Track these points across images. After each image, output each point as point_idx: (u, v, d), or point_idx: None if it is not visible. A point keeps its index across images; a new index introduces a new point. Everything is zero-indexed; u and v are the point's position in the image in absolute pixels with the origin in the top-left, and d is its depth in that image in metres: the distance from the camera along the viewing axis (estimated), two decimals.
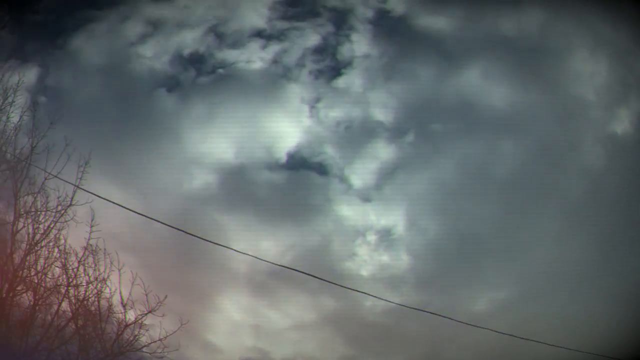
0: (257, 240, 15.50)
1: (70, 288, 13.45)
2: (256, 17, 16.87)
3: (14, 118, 14.42)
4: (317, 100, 16.13)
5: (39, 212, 13.62)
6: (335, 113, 16.16)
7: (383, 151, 15.94)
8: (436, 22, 16.53)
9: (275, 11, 16.80)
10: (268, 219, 15.80)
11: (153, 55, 16.75)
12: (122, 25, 16.88)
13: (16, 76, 14.77)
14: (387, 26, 16.63)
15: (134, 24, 16.82)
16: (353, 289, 14.83)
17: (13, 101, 14.45)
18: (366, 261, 15.75)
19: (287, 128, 16.09)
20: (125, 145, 15.96)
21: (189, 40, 16.88)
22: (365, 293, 15.02)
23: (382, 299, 15.09)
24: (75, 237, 13.68)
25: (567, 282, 15.27)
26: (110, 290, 13.55)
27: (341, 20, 16.67)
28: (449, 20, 16.49)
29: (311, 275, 14.49)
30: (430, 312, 14.71)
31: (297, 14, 16.79)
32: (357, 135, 16.00)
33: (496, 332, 14.56)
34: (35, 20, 16.72)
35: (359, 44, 16.54)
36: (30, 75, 15.97)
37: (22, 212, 13.58)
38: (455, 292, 15.57)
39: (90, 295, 13.52)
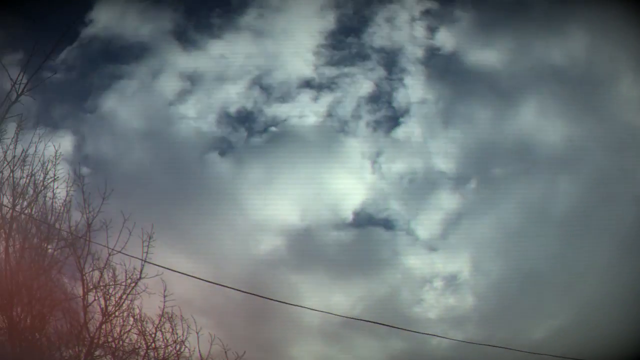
0: (328, 295, 15.61)
1: (149, 351, 13.53)
2: (302, 64, 16.24)
3: (61, 193, 13.98)
4: (378, 154, 15.98)
5: (108, 286, 13.51)
6: (397, 166, 16.08)
7: (447, 201, 16.05)
8: (485, 57, 16.38)
9: (321, 56, 16.18)
10: (338, 275, 16.01)
11: (197, 115, 16.02)
12: (155, 82, 15.92)
13: (51, 147, 14.13)
14: (439, 66, 16.41)
15: (169, 79, 15.89)
16: (419, 332, 15.30)
17: (56, 176, 13.85)
18: (433, 305, 16.00)
19: (350, 186, 15.92)
20: (185, 213, 15.59)
21: (233, 95, 16.33)
22: (431, 334, 15.57)
23: (447, 338, 15.48)
24: (149, 304, 13.71)
25: (620, 307, 15.85)
26: (189, 350, 13.59)
27: (391, 62, 16.29)
28: (498, 53, 16.24)
29: (380, 324, 14.77)
30: (492, 345, 15.14)
31: (345, 58, 16.25)
32: (420, 187, 16.05)
33: (553, 356, 15.03)
34: (58, 81, 15.44)
35: (413, 89, 16.27)
36: (65, 144, 15.24)
37: (91, 287, 13.46)
38: (515, 324, 16.09)
39: (169, 356, 13.62)
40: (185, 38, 16.30)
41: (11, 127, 14.23)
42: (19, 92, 13.77)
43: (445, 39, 16.20)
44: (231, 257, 15.53)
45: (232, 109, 16.17)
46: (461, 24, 16.24)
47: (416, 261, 16.30)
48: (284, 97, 15.88)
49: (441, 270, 16.31)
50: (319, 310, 14.87)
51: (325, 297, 15.62)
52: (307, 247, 16.01)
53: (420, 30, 16.12)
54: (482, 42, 16.19)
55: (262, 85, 15.93)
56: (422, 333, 15.29)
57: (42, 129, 14.36)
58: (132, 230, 13.37)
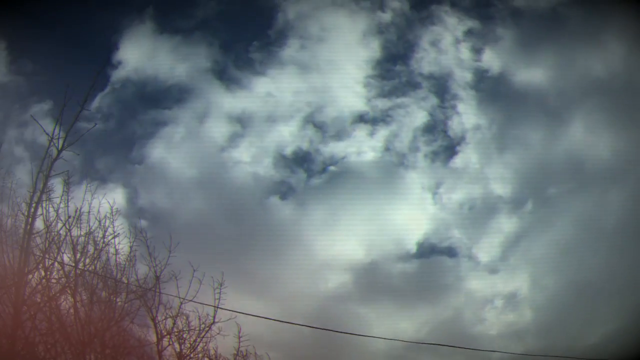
0: (393, 322, 15.83)
1: None
2: (353, 97, 16.07)
3: (123, 247, 13.68)
4: (438, 185, 16.06)
5: (181, 332, 13.54)
6: (456, 195, 16.22)
7: (505, 224, 16.23)
8: (530, 75, 16.54)
9: (372, 88, 16.03)
10: (403, 303, 16.21)
11: (252, 160, 15.73)
12: (202, 126, 15.62)
13: (106, 202, 13.72)
14: (488, 88, 16.48)
15: (217, 123, 15.59)
16: (480, 349, 15.73)
17: (116, 233, 13.55)
18: (494, 322, 16.42)
19: (413, 218, 15.95)
20: (251, 257, 15.54)
21: (287, 136, 15.93)
22: (492, 350, 15.87)
23: (507, 352, 15.97)
24: (223, 343, 13.75)
25: None
26: None
27: (442, 89, 16.30)
28: (541, 70, 16.42)
29: (443, 345, 15.16)
30: (549, 355, 15.61)
31: (396, 88, 16.18)
32: (479, 213, 16.25)
33: None
34: (97, 131, 14.99)
35: (466, 115, 16.29)
36: (117, 197, 14.89)
37: (165, 333, 13.47)
38: (571, 332, 16.63)
39: None
40: (226, 76, 15.80)
41: (55, 182, 13.50)
42: (60, 148, 12.98)
43: (490, 59, 16.16)
44: (299, 294, 15.53)
45: (288, 151, 15.89)
46: (504, 42, 16.19)
47: (478, 284, 16.55)
48: (339, 134, 15.62)
49: (501, 290, 16.54)
50: (385, 338, 15.08)
51: (391, 324, 15.75)
52: (372, 280, 16.11)
53: (465, 52, 16.04)
54: (526, 59, 16.32)
55: (316, 123, 15.64)
56: (483, 350, 15.44)
57: (91, 184, 13.87)
58: (202, 279, 13.28)
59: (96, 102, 15.42)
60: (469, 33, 16.10)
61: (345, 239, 15.87)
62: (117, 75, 15.95)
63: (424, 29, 16.14)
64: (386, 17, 16.22)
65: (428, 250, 16.29)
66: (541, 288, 16.50)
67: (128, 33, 16.26)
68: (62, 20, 15.90)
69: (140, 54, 16.15)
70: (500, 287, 16.61)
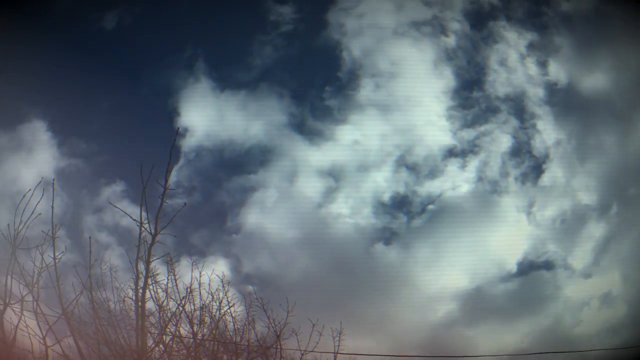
0: (498, 337, 16.29)
1: None
2: (439, 132, 16.12)
3: (240, 312, 13.80)
4: (530, 205, 16.32)
5: None
6: (548, 211, 16.45)
7: (594, 230, 16.69)
8: (595, 80, 16.80)
9: (454, 120, 16.15)
10: (506, 319, 16.62)
11: (351, 211, 15.67)
12: (294, 185, 15.61)
13: (214, 275, 13.72)
14: (560, 102, 16.74)
15: (308, 180, 15.48)
16: (578, 351, 16.36)
17: (232, 303, 13.66)
18: (591, 322, 17.03)
19: (510, 240, 16.19)
20: (363, 300, 15.69)
21: (381, 182, 16.03)
22: (590, 350, 16.48)
23: (604, 349, 16.60)
24: None
25: None
26: None
27: (520, 110, 16.55)
28: (604, 74, 16.77)
29: (543, 353, 15.77)
30: None
31: (477, 117, 16.33)
32: (570, 225, 16.58)
33: None
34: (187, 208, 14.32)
35: (546, 132, 16.50)
36: (221, 268, 14.71)
37: None
38: None
39: None
40: (307, 129, 15.55)
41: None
42: (153, 233, 12.69)
43: (555, 71, 16.36)
44: (410, 328, 15.65)
45: (385, 197, 15.76)
46: (564, 51, 16.35)
47: (574, 289, 17.03)
48: (433, 172, 15.65)
49: (596, 291, 16.95)
50: (492, 355, 15.39)
51: (496, 339, 16.11)
52: (477, 304, 16.35)
53: (532, 67, 16.15)
54: (587, 65, 16.42)
55: (408, 165, 15.59)
56: (581, 351, 15.92)
57: (192, 258, 13.72)
58: (321, 331, 13.27)
59: (174, 177, 14.43)
60: (530, 47, 16.17)
61: (449, 270, 16.05)
62: (188, 144, 15.25)
63: (488, 49, 16.15)
64: (450, 41, 16.08)
65: (527, 268, 16.59)
66: (633, 283, 16.89)
67: (185, 95, 15.58)
68: (114, 98, 15.09)
69: (206, 117, 15.56)
70: (595, 288, 17.03)
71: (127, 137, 15.55)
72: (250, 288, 14.40)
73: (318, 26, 16.12)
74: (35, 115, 15.65)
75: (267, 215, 15.60)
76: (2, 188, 14.99)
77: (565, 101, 16.35)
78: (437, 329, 15.96)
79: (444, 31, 16.19)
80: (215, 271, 13.62)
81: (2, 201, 14.48)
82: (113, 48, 15.78)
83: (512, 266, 16.53)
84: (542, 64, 16.18)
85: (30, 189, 12.49)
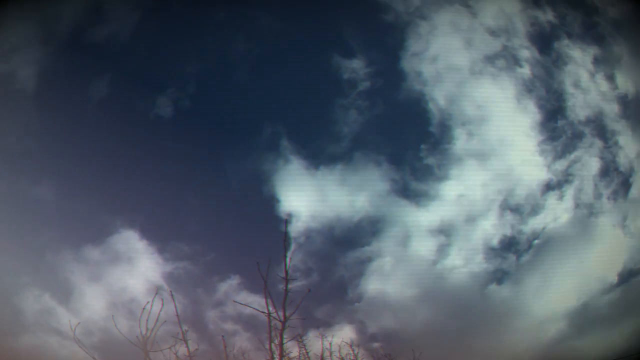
0: (607, 343, 16.81)
1: None
2: (534, 169, 16.43)
3: None
4: (624, 218, 16.91)
5: None
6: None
7: None
8: None
9: (546, 153, 16.48)
10: (610, 325, 17.31)
11: (464, 262, 16.04)
12: (407, 249, 15.94)
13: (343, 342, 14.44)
14: (634, 114, 17.13)
15: (420, 241, 15.96)
16: None
17: None
18: None
19: (610, 255, 16.97)
20: (482, 336, 16.12)
21: (489, 229, 16.25)
22: None
23: None
24: None
25: None
26: None
27: (601, 130, 16.85)
28: None
29: None
30: None
31: (566, 145, 16.66)
32: None
33: None
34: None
35: (627, 146, 17.04)
36: (348, 334, 15.20)
37: None
38: None
39: None
40: (410, 193, 15.40)
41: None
42: (282, 320, 13.42)
43: (623, 82, 16.53)
44: (524, 352, 16.05)
45: (494, 242, 15.86)
46: (624, 60, 16.64)
47: None
48: (535, 209, 15.77)
49: None
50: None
51: (604, 346, 16.54)
52: (585, 317, 16.78)
53: (602, 83, 16.36)
54: None
55: (511, 207, 15.62)
56: None
57: (320, 329, 14.34)
58: None
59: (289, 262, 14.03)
60: (595, 62, 16.21)
61: (557, 293, 16.38)
62: (296, 228, 14.69)
63: (561, 72, 16.09)
64: (526, 71, 15.91)
65: (627, 276, 16.98)
66: None
67: (280, 179, 14.78)
68: (203, 197, 14.47)
69: (307, 198, 14.90)
70: None
71: (229, 232, 15.12)
72: (376, 345, 14.73)
73: (396, 78, 15.31)
74: (124, 226, 15.09)
75: (386, 279, 15.56)
76: (114, 298, 14.91)
77: (637, 112, 16.43)
78: (549, 346, 16.32)
79: (517, 61, 15.80)
80: (342, 337, 14.16)
81: (117, 311, 14.56)
82: (187, 146, 14.47)
83: (613, 278, 16.87)
84: (610, 78, 16.19)
85: (148, 301, 12.99)
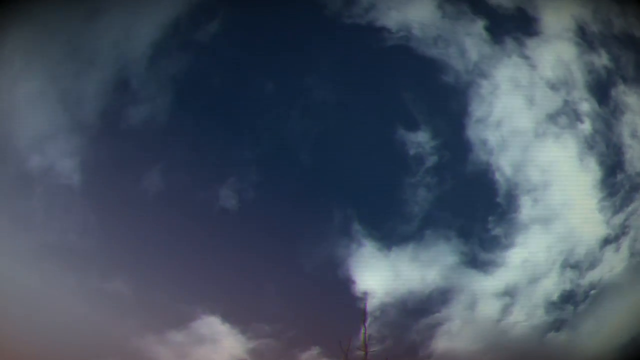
0: None
1: None
2: (594, 227, 16.84)
3: None
4: None
5: None
6: None
7: None
8: None
9: (606, 210, 16.84)
10: None
11: (526, 318, 16.76)
12: (474, 312, 16.52)
13: None
14: None
15: (486, 304, 16.56)
16: None
17: None
18: None
19: None
20: None
21: (550, 286, 16.86)
22: None
23: None
24: None
25: None
26: None
27: None
28: None
29: None
30: None
31: (624, 199, 16.94)
32: None
33: None
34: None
35: None
36: None
37: None
38: None
39: None
40: (479, 263, 15.65)
41: None
42: None
43: None
44: None
45: (554, 297, 16.12)
46: None
47: None
48: (593, 263, 16.13)
49: None
50: None
51: None
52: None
53: None
54: None
55: (571, 264, 15.98)
56: None
57: None
58: None
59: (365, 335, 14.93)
60: None
61: (610, 332, 16.82)
62: (370, 304, 15.14)
63: (620, 123, 16.06)
64: (587, 127, 15.85)
65: None
66: None
67: (355, 262, 14.94)
68: (280, 282, 14.72)
69: (382, 277, 15.25)
70: None
71: (308, 311, 15.17)
72: None
73: (462, 149, 15.05)
74: (205, 312, 15.16)
75: (455, 340, 15.92)
76: None
77: None
78: None
79: (578, 116, 15.64)
80: None
81: None
82: (258, 237, 14.34)
83: None
84: None
85: None
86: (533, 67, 15.55)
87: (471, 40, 15.40)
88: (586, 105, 15.72)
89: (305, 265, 14.44)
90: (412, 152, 14.58)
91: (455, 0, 15.58)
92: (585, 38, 16.08)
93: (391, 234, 14.81)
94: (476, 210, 15.16)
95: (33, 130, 14.02)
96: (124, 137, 13.78)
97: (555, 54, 15.75)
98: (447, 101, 14.94)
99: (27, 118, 14.02)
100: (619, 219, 16.19)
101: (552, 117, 15.51)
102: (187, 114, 13.72)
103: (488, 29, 15.45)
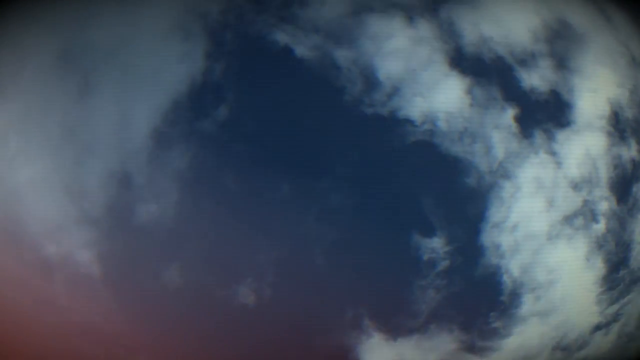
0: None
1: None
2: (588, 318, 17.63)
3: None
4: None
5: None
6: None
7: None
8: None
9: (602, 302, 17.59)
10: None
11: None
12: None
13: None
14: None
15: None
16: None
17: None
18: None
19: None
20: None
21: None
22: None
23: None
24: None
25: None
26: None
27: None
28: None
29: None
30: None
31: (622, 291, 17.49)
32: None
33: None
34: None
35: None
36: None
37: None
38: None
39: None
40: (477, 349, 16.43)
41: None
42: None
43: None
44: None
45: None
46: None
47: None
48: (582, 345, 17.01)
49: None
50: None
51: None
52: None
53: None
54: None
55: (561, 347, 16.83)
56: None
57: None
58: None
59: None
60: None
61: None
62: None
63: (633, 221, 16.46)
64: (601, 227, 16.28)
65: None
66: None
67: (361, 350, 15.85)
68: None
69: None
70: None
71: None
72: None
73: (475, 254, 15.51)
74: None
75: None
76: None
77: None
78: None
79: (594, 217, 15.99)
80: None
81: None
82: (271, 334, 15.14)
83: None
84: None
85: None
86: (559, 164, 15.39)
87: (499, 134, 15.11)
88: (605, 204, 15.74)
89: (319, 354, 14.94)
90: (425, 257, 14.79)
91: (486, 83, 15.13)
92: (618, 126, 15.79)
93: (398, 327, 15.28)
94: (480, 307, 15.60)
95: (43, 218, 14.06)
96: (137, 233, 13.90)
97: (584, 148, 15.53)
98: (466, 206, 14.95)
99: (34, 205, 14.02)
100: (613, 309, 16.71)
101: (568, 219, 15.59)
102: (198, 213, 13.79)
103: (518, 119, 15.14)
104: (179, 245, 13.28)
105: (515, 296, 13.18)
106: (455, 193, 13.63)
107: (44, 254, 13.84)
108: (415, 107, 14.37)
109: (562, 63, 14.59)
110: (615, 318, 13.99)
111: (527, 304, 13.16)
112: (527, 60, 14.70)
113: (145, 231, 13.41)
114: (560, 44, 14.81)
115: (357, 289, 13.07)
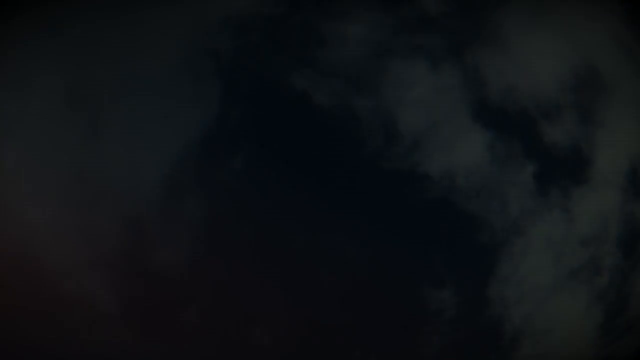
0: None
1: None
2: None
3: None
4: None
5: None
6: None
7: None
8: None
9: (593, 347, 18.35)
10: None
11: None
12: None
13: None
14: None
15: None
16: None
17: None
18: None
19: None
20: None
21: None
22: None
23: None
24: None
25: None
26: None
27: None
28: None
29: None
30: None
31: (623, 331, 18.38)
32: None
33: None
34: None
35: None
36: None
37: None
38: None
39: None
40: None
41: None
42: None
43: None
44: None
45: None
46: None
47: None
48: None
49: None
50: None
51: None
52: None
53: None
54: None
55: None
56: None
57: None
58: None
59: None
60: None
61: None
62: None
63: (635, 274, 16.96)
64: (604, 280, 16.77)
65: None
66: None
67: None
68: None
69: None
70: None
71: None
72: None
73: (481, 305, 16.07)
74: None
75: None
76: None
77: None
78: None
79: (599, 271, 16.46)
80: None
81: None
82: None
83: None
84: None
85: None
86: (571, 221, 15.67)
87: (516, 191, 15.33)
88: (610, 260, 16.08)
89: None
90: (433, 307, 15.23)
91: (508, 137, 15.22)
92: (634, 182, 15.99)
93: None
94: (482, 352, 16.13)
95: (59, 257, 14.20)
96: (154, 277, 14.17)
97: (598, 206, 15.76)
98: (477, 261, 15.29)
99: (49, 245, 14.15)
100: (607, 351, 17.26)
101: (573, 273, 15.96)
102: (213, 261, 14.08)
103: (536, 176, 15.34)
104: (197, 288, 13.49)
105: (516, 342, 13.58)
106: (468, 249, 13.88)
107: (62, 290, 13.98)
108: (435, 162, 14.41)
109: (586, 116, 14.53)
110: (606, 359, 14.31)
111: (525, 349, 13.56)
112: (551, 112, 14.64)
113: (162, 275, 13.58)
114: (587, 94, 14.71)
115: (366, 333, 13.45)
